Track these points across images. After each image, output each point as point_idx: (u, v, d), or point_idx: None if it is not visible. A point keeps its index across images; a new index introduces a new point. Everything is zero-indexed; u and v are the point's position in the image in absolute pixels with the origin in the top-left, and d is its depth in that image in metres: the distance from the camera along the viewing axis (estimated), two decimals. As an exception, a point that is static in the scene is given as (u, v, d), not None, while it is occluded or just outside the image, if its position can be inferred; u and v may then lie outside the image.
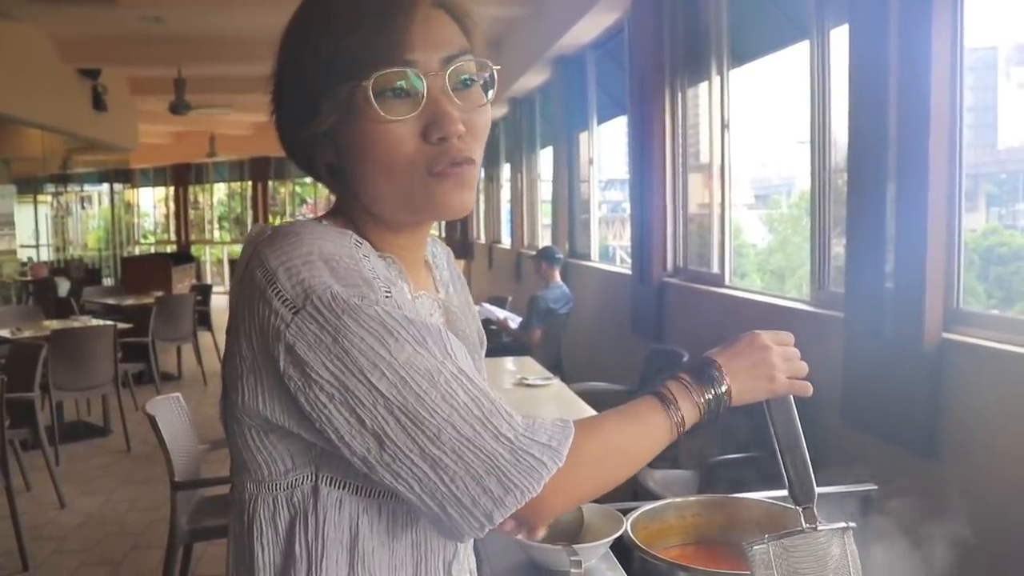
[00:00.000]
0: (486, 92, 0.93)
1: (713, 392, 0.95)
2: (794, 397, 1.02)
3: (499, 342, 6.72)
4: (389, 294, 0.85)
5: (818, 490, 1.76)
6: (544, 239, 8.93)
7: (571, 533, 1.48)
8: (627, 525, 1.48)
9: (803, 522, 1.02)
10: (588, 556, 1.41)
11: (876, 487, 1.74)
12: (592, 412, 3.59)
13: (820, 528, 1.02)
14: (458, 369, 0.84)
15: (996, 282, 3.28)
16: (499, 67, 0.95)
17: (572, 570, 1.34)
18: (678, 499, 1.64)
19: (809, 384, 1.01)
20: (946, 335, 2.66)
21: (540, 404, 3.90)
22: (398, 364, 0.81)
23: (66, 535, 4.53)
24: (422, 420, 0.80)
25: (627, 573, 1.47)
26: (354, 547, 0.90)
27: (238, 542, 0.95)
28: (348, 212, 0.97)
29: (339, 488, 0.89)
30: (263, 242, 0.88)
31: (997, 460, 2.47)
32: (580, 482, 0.87)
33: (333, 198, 1.00)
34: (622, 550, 1.49)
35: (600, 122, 7.46)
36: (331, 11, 0.89)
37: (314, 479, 0.89)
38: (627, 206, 6.21)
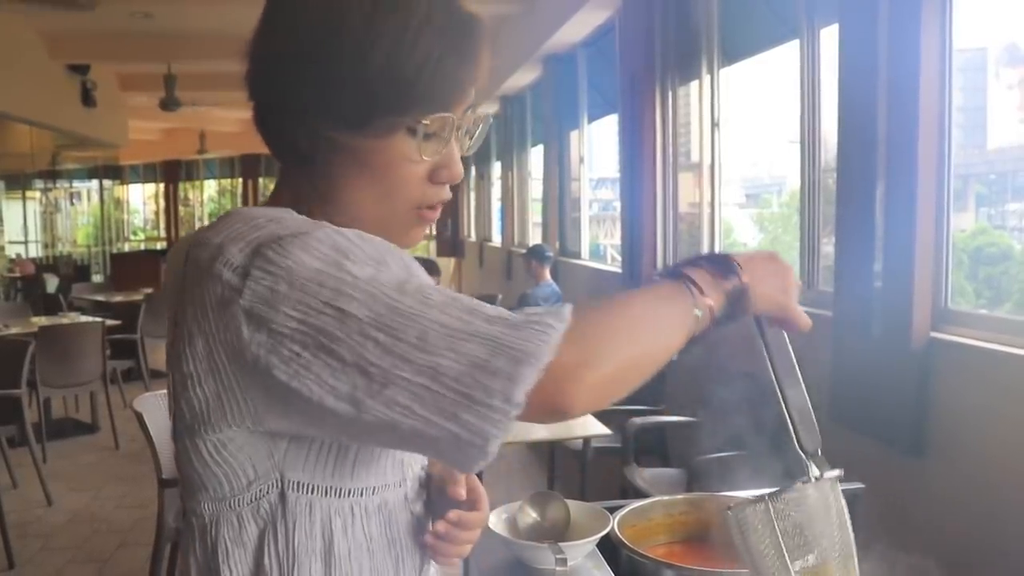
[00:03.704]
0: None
1: (735, 283, 0.87)
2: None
3: (489, 340, 6.72)
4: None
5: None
6: (535, 237, 8.93)
7: (557, 531, 1.47)
8: (614, 523, 1.48)
9: (813, 470, 0.97)
10: (574, 554, 1.41)
11: (863, 485, 1.74)
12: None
13: (826, 476, 0.97)
14: (425, 280, 0.79)
15: (985, 282, 3.30)
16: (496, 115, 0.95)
17: (557, 568, 1.34)
18: (665, 497, 1.64)
19: (810, 323, 0.95)
20: (934, 334, 2.67)
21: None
22: (362, 282, 0.75)
23: (53, 532, 4.51)
24: (403, 330, 0.73)
25: (614, 571, 1.47)
26: (329, 554, 0.86)
27: (201, 571, 0.89)
28: (290, 206, 0.91)
29: (308, 492, 0.85)
30: (200, 232, 0.85)
31: (984, 459, 2.48)
32: (601, 346, 0.76)
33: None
34: (609, 548, 1.49)
35: (591, 120, 7.46)
36: (406, 13, 0.83)
37: (280, 486, 0.85)
38: (618, 204, 6.22)
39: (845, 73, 3.03)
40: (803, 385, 0.97)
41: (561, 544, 1.38)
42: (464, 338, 0.73)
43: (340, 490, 0.86)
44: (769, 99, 5.03)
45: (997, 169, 3.62)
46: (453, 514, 0.98)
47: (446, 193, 0.91)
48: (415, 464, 0.96)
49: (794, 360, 0.97)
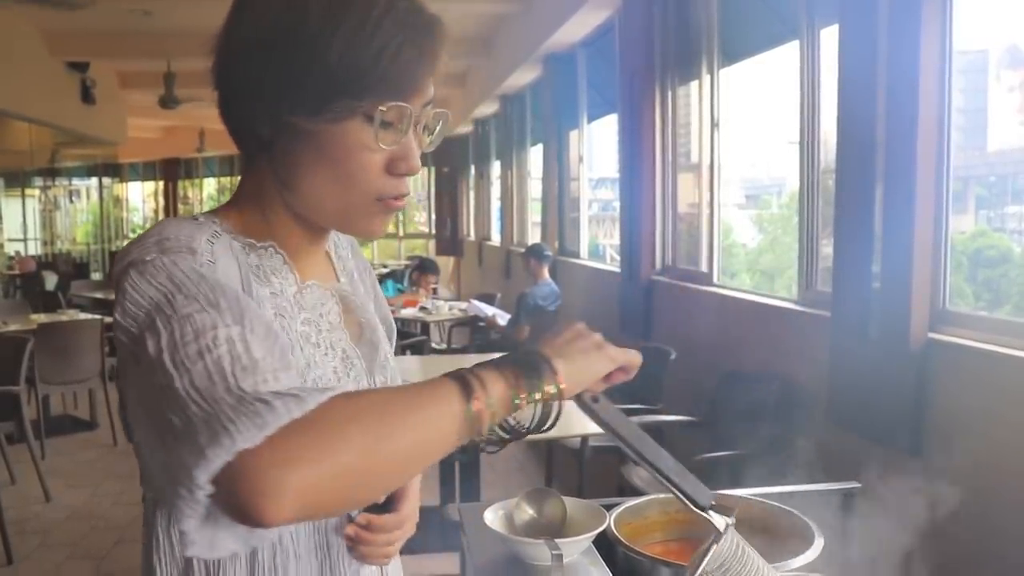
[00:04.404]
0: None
1: (536, 373, 0.81)
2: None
3: (487, 339, 6.72)
4: (213, 263, 0.85)
5: (802, 488, 1.77)
6: (534, 237, 8.94)
7: (554, 528, 1.47)
8: (610, 520, 1.48)
9: (718, 521, 0.91)
10: (570, 551, 1.41)
11: (859, 485, 1.75)
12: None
13: (729, 522, 0.92)
14: (241, 335, 0.74)
15: (984, 284, 3.30)
16: (451, 114, 0.97)
17: (553, 564, 1.34)
18: (662, 495, 1.64)
19: (638, 354, 0.91)
20: (932, 335, 2.67)
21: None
22: (176, 318, 0.75)
23: (51, 529, 4.51)
24: (171, 378, 0.71)
25: (610, 569, 1.47)
26: (253, 554, 0.88)
27: (143, 559, 0.92)
28: (252, 196, 0.96)
29: None
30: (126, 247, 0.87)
31: (982, 460, 2.49)
32: (326, 444, 0.68)
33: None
34: (605, 546, 1.49)
35: (591, 120, 7.46)
36: (367, 4, 0.86)
37: None
38: (617, 205, 6.22)
39: (845, 74, 3.03)
40: (657, 444, 0.92)
41: (557, 540, 1.38)
42: (196, 401, 0.69)
43: None
44: (769, 100, 5.03)
45: (997, 171, 3.62)
46: (361, 518, 0.98)
47: (405, 186, 0.92)
48: None
49: (636, 425, 0.91)
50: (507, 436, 0.85)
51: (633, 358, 0.90)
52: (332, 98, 0.85)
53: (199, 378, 0.70)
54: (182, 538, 0.69)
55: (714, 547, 0.88)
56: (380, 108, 0.86)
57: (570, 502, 1.51)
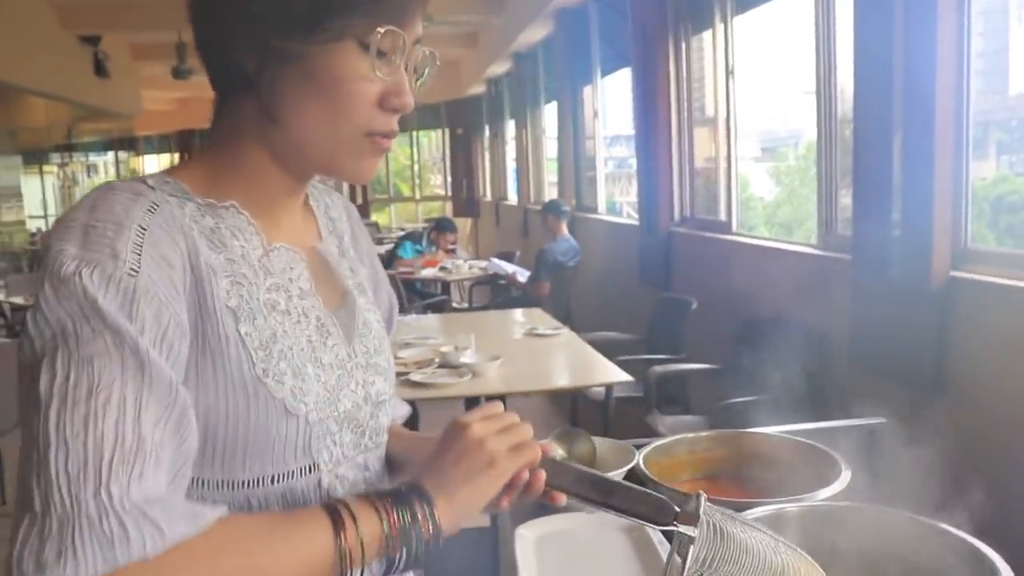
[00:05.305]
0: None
1: (410, 511, 0.79)
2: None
3: (508, 296, 6.77)
4: (135, 272, 0.76)
5: (828, 424, 1.80)
6: (551, 195, 8.93)
7: (586, 464, 1.51)
8: (639, 459, 1.51)
9: (689, 532, 0.84)
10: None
11: (884, 420, 1.77)
12: (603, 360, 3.63)
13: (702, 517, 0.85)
14: (135, 399, 0.72)
15: (1006, 230, 3.28)
16: (438, 55, 0.94)
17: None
18: (689, 434, 1.67)
19: (538, 448, 0.86)
20: (954, 273, 2.67)
21: (551, 353, 3.95)
22: (76, 358, 0.71)
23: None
24: (48, 432, 0.68)
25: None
26: None
27: None
28: (227, 143, 0.90)
29: (199, 487, 0.83)
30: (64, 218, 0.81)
31: (1003, 394, 2.50)
32: None
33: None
34: (636, 483, 1.53)
35: (604, 75, 7.41)
36: None
37: None
38: (633, 162, 6.21)
39: (860, 19, 3.00)
40: (613, 479, 0.90)
41: (594, 474, 1.42)
42: (62, 491, 0.66)
43: (233, 483, 0.84)
44: (783, 50, 4.99)
45: (1019, 115, 3.57)
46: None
47: (395, 124, 0.89)
48: (332, 447, 0.91)
49: (587, 470, 0.90)
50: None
51: (533, 456, 0.85)
52: (324, 16, 0.82)
53: (74, 461, 0.67)
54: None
55: (691, 549, 0.82)
56: (379, 30, 0.84)
57: (599, 441, 1.54)
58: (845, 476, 1.42)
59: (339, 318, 0.96)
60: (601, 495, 0.86)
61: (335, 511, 0.77)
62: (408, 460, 1.04)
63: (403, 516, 0.79)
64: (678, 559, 0.84)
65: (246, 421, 0.82)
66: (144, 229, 0.79)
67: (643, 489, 0.87)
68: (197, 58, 0.92)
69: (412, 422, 4.10)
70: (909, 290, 2.74)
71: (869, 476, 1.48)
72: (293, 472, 0.87)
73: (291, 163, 0.90)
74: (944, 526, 1.19)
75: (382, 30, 0.84)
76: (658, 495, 0.86)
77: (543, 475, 0.87)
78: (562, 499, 0.88)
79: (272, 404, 0.84)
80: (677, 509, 0.84)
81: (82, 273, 0.74)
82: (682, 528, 0.83)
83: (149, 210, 0.81)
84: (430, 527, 0.80)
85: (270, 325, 0.86)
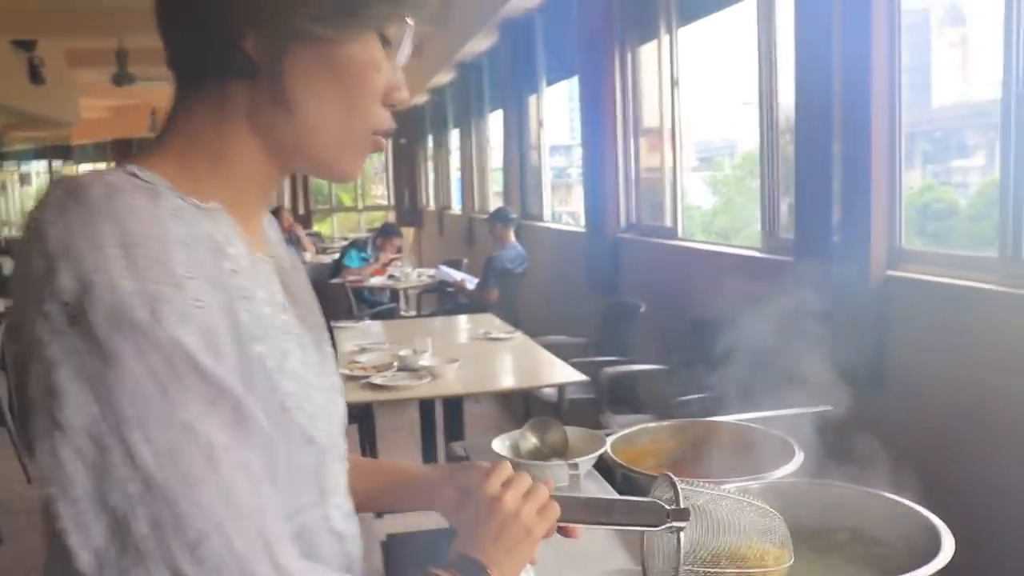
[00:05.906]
0: None
1: None
2: None
3: (457, 303, 6.83)
4: (200, 303, 0.66)
5: (778, 412, 1.91)
6: (495, 203, 9.01)
7: (557, 454, 1.61)
8: (608, 445, 1.60)
9: (678, 526, 0.92)
10: (583, 468, 1.56)
11: (831, 408, 1.89)
12: (557, 361, 3.73)
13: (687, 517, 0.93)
14: (244, 458, 0.65)
15: (933, 237, 3.45)
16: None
17: (571, 483, 1.47)
18: (651, 424, 1.77)
19: (557, 505, 0.90)
20: (890, 272, 2.83)
21: (506, 355, 4.04)
22: (175, 426, 0.62)
23: (35, 508, 4.54)
24: (183, 516, 0.60)
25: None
26: None
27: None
28: (200, 136, 0.78)
29: None
30: (46, 206, 0.67)
31: (938, 386, 2.66)
32: None
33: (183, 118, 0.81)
34: (604, 470, 1.62)
35: (549, 84, 7.53)
36: None
37: None
38: (572, 172, 6.31)
39: (801, 33, 3.13)
40: (607, 498, 0.98)
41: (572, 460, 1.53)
42: (238, 572, 0.62)
43: None
44: (722, 62, 5.14)
45: (942, 126, 3.76)
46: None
47: (392, 121, 0.83)
48: (337, 474, 0.87)
49: (577, 497, 0.97)
50: None
51: (556, 515, 0.90)
52: (361, 1, 0.76)
53: (233, 536, 0.62)
54: None
55: (681, 536, 0.91)
56: (406, 20, 0.79)
57: (571, 430, 1.64)
58: (799, 457, 1.53)
59: (313, 334, 0.87)
60: (606, 515, 0.93)
61: None
62: (403, 499, 1.06)
63: None
64: (658, 542, 0.95)
65: (274, 458, 0.74)
66: (187, 245, 0.68)
67: (635, 499, 0.94)
68: (145, 56, 0.86)
69: (368, 423, 4.15)
70: (849, 288, 2.89)
71: (820, 457, 1.60)
72: (304, 506, 0.81)
73: (286, 155, 0.81)
74: (889, 495, 1.32)
75: (410, 20, 0.80)
76: (649, 500, 0.94)
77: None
78: (577, 532, 0.94)
79: (294, 432, 0.77)
80: (667, 507, 0.91)
81: (159, 314, 0.63)
82: (676, 524, 0.91)
83: (173, 214, 0.69)
84: None
85: (278, 344, 0.77)
